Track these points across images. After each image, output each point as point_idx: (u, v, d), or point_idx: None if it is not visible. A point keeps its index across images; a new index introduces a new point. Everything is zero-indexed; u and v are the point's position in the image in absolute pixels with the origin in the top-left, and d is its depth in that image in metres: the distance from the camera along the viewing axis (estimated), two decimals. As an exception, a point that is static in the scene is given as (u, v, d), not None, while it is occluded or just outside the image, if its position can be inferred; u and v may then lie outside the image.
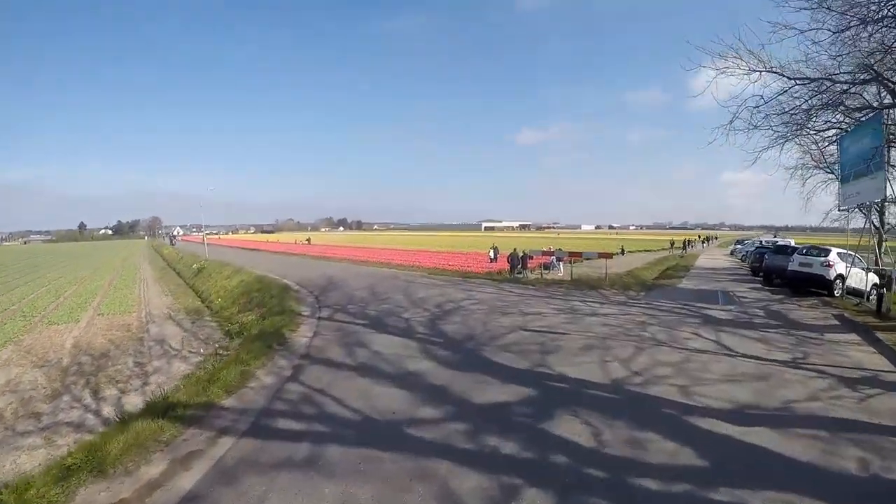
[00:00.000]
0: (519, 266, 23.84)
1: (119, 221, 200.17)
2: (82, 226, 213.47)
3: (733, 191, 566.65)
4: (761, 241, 38.14)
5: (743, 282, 21.47)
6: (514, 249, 25.49)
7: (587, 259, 25.54)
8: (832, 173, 19.22)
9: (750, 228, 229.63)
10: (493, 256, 31.20)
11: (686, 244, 56.43)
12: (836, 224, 20.82)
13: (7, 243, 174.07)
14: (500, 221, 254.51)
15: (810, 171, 21.10)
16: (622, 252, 42.23)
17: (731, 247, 52.15)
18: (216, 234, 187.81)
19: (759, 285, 19.74)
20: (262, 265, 32.76)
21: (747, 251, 35.18)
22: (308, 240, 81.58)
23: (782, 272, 18.03)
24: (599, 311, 13.25)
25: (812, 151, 19.76)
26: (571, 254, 25.24)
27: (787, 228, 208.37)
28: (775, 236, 58.55)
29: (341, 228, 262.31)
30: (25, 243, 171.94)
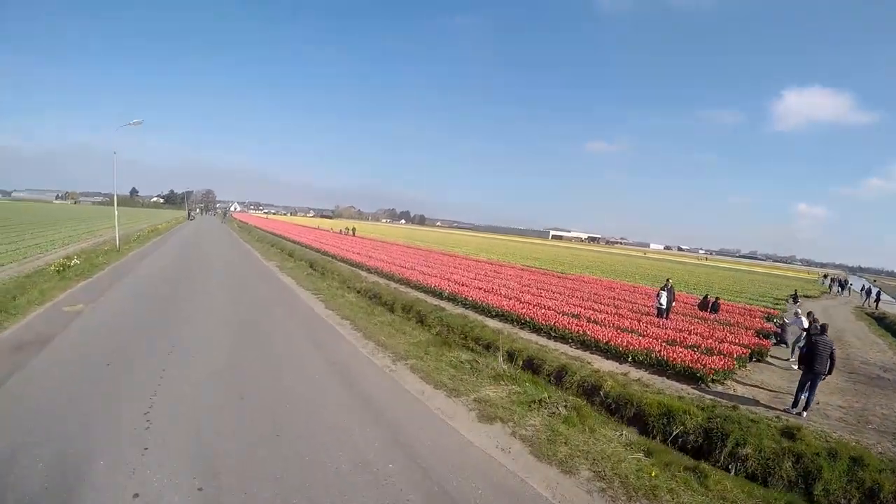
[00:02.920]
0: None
1: (172, 191, 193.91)
2: (134, 191, 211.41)
3: (803, 223, 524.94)
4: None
5: None
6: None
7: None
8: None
9: (823, 265, 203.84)
10: (664, 305, 16.80)
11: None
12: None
13: (59, 201, 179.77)
14: (569, 231, 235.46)
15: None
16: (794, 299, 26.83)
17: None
18: (267, 213, 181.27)
19: None
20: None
21: None
22: (352, 230, 64.17)
23: None
24: None
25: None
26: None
27: (860, 269, 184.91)
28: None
29: (403, 221, 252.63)
30: (75, 203, 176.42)
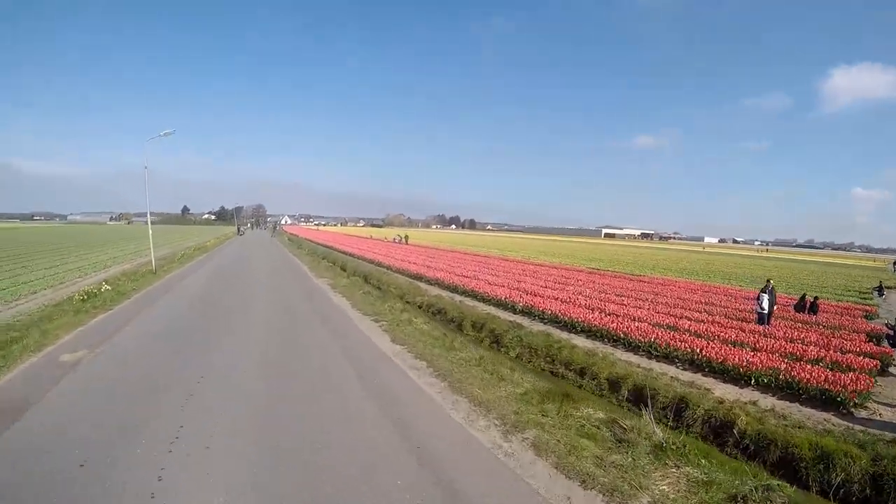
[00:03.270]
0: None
1: (222, 207, 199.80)
2: (185, 209, 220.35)
3: (860, 207, 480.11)
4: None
5: None
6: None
7: None
8: None
9: (883, 251, 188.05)
10: (766, 309, 14.81)
11: None
12: None
13: (112, 222, 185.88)
14: (621, 228, 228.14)
15: None
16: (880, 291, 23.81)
17: None
18: (317, 225, 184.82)
19: None
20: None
21: None
22: (404, 238, 63.22)
23: None
24: None
25: None
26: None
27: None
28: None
29: (453, 226, 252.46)
30: (129, 223, 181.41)
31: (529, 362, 11.80)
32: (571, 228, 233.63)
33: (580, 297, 18.35)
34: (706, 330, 13.26)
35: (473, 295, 19.62)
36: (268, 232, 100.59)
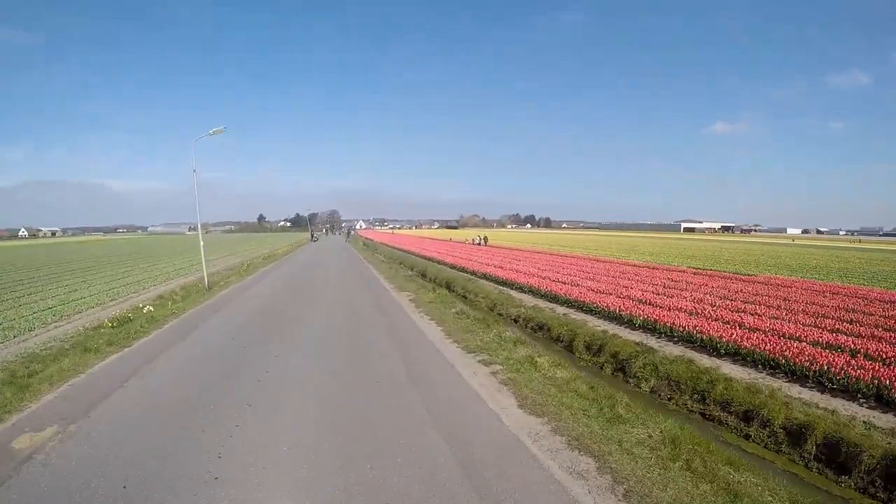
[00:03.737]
0: None
1: (297, 214, 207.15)
2: (261, 217, 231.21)
3: None
4: None
5: None
6: None
7: None
8: None
9: None
10: None
11: None
12: None
13: (191, 232, 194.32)
14: (700, 222, 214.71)
15: None
16: None
17: None
18: (392, 228, 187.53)
19: None
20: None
21: None
22: (483, 239, 60.90)
23: None
24: None
25: None
26: None
27: None
28: None
29: (528, 226, 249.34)
30: (206, 233, 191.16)
31: (670, 399, 9.86)
32: (649, 224, 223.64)
33: (705, 306, 16.07)
34: (881, 351, 10.79)
35: (576, 305, 17.85)
36: (342, 237, 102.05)
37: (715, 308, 15.65)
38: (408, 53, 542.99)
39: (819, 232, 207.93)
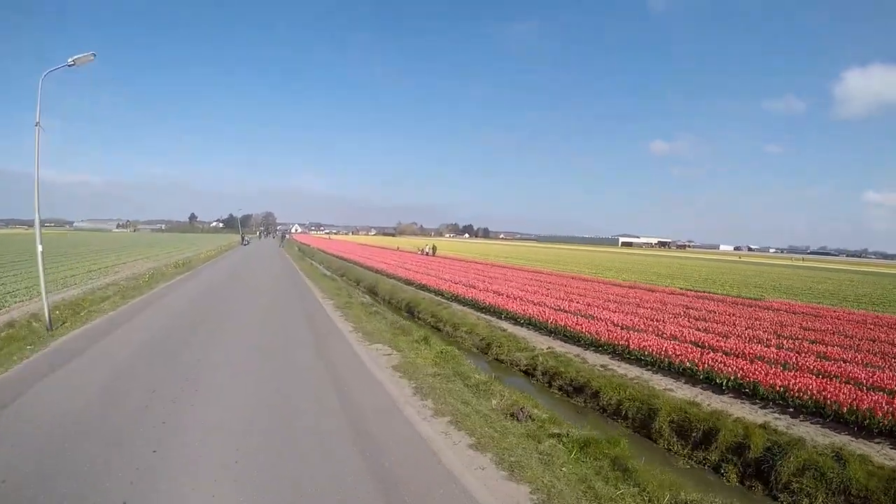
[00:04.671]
0: None
1: (231, 215, 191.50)
2: (193, 217, 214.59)
3: (877, 213, 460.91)
4: None
5: None
6: None
7: None
8: None
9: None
10: None
11: None
12: None
13: (119, 230, 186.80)
14: (638, 237, 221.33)
15: None
16: None
17: None
18: (328, 233, 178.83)
19: None
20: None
21: None
22: (432, 249, 55.08)
23: None
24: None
25: None
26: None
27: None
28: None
29: (466, 235, 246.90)
30: (134, 231, 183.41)
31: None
32: (586, 237, 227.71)
33: (790, 353, 11.69)
34: None
35: (609, 349, 12.69)
36: (276, 241, 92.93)
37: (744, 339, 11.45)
38: (350, 53, 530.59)
39: (750, 249, 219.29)
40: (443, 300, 21.55)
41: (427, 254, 51.93)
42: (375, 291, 26.41)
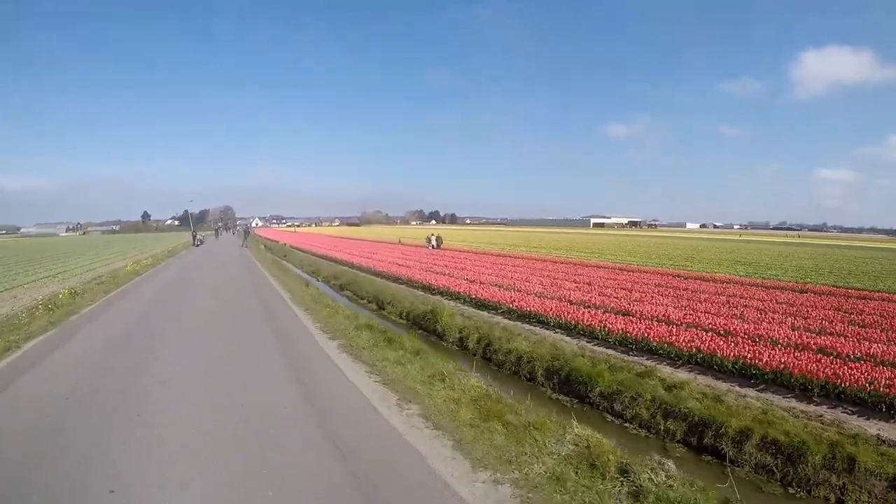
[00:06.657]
0: None
1: (186, 211, 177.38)
2: (146, 216, 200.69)
3: (829, 190, 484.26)
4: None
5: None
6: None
7: None
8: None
9: (858, 230, 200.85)
10: None
11: None
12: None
13: (68, 233, 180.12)
14: (609, 217, 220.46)
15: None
16: None
17: None
18: (292, 226, 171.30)
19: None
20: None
21: None
22: (437, 240, 44.10)
23: None
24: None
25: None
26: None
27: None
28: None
29: (433, 222, 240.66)
30: (84, 234, 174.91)
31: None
32: (555, 220, 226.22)
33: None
34: None
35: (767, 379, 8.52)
36: (238, 238, 70.79)
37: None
38: (304, 45, 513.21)
39: (715, 226, 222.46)
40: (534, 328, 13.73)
41: (434, 246, 43.63)
42: (376, 301, 19.43)
